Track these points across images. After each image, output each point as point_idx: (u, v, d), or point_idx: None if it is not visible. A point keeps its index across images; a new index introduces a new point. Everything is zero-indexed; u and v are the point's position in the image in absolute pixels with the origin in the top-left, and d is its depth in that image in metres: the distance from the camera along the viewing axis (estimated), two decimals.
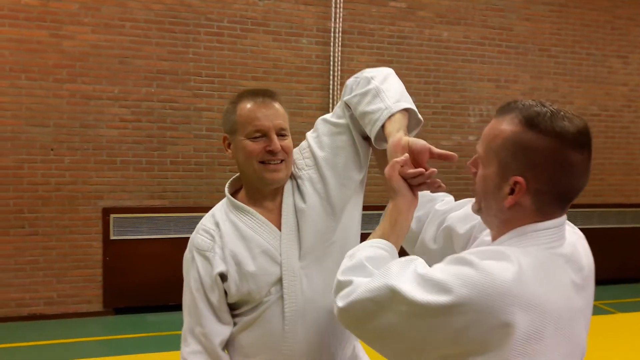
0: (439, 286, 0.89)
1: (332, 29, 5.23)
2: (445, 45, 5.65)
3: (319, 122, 1.46)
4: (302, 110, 5.25)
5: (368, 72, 1.39)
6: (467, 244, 1.21)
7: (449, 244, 1.27)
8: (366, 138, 1.42)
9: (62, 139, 4.73)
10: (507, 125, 0.95)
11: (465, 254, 0.93)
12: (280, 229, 1.39)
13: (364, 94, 1.33)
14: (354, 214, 1.47)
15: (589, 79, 6.24)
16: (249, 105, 1.35)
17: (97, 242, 4.90)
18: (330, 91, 5.30)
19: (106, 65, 4.78)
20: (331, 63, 5.26)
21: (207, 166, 5.05)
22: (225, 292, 1.38)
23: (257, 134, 1.34)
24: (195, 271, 1.38)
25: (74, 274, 4.86)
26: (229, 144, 1.41)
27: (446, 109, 5.68)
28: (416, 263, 0.97)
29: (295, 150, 1.45)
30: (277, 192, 1.42)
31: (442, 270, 0.92)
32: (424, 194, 1.32)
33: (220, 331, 1.38)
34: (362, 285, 0.98)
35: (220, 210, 1.44)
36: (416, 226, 1.32)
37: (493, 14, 5.80)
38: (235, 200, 1.42)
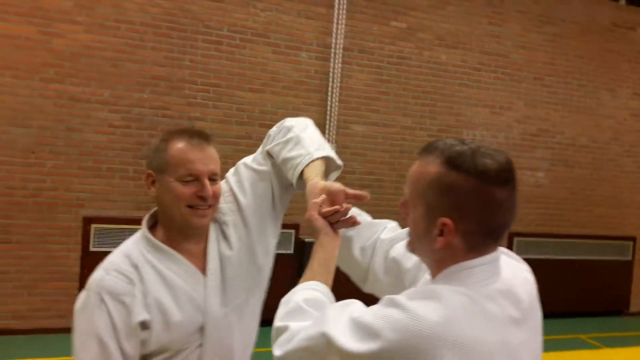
0: (369, 331, 0.89)
1: (333, 45, 5.17)
2: (443, 68, 5.65)
3: (240, 166, 1.45)
4: None
5: (288, 122, 1.42)
6: (415, 281, 1.21)
7: (399, 277, 1.26)
8: (286, 188, 1.44)
9: (45, 141, 4.48)
10: (430, 167, 0.96)
11: (396, 296, 0.93)
12: (204, 274, 1.34)
13: (286, 142, 1.37)
14: (269, 259, 1.48)
15: (580, 109, 6.33)
16: (182, 146, 1.30)
17: (76, 253, 4.61)
18: (328, 107, 5.20)
19: (97, 67, 4.58)
20: (330, 79, 5.17)
21: None
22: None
23: (189, 178, 1.29)
24: (107, 316, 1.24)
25: (47, 287, 4.55)
26: (153, 182, 1.33)
27: (441, 132, 5.64)
28: (352, 307, 0.96)
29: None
30: (201, 236, 1.37)
31: (373, 313, 0.91)
32: (364, 223, 1.33)
33: None
34: (300, 333, 0.97)
35: (136, 250, 1.32)
36: (362, 257, 1.32)
37: (490, 40, 5.84)
38: (158, 242, 1.33)
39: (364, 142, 5.41)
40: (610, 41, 6.44)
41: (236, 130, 4.90)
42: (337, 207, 1.19)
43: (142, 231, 1.36)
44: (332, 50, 5.17)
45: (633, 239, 6.63)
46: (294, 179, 1.34)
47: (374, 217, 1.38)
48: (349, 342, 0.89)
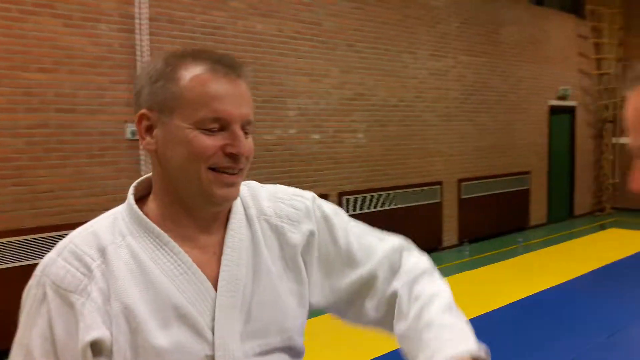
0: None
1: (137, 15, 4.63)
2: (260, 38, 5.50)
3: (344, 224, 1.02)
4: (105, 107, 4.55)
5: (429, 282, 1.00)
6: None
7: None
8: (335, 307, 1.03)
9: None
10: None
11: None
12: (215, 287, 0.87)
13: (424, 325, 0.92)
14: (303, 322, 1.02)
15: (389, 72, 6.80)
16: (204, 73, 0.85)
17: None
18: None
19: None
20: (138, 53, 4.65)
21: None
22: None
23: (214, 125, 0.84)
24: (45, 321, 0.81)
25: None
26: (150, 127, 0.87)
27: (266, 102, 5.56)
28: None
29: (283, 188, 1.02)
30: (216, 221, 0.92)
31: None
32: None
33: None
34: None
35: (112, 228, 0.88)
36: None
37: (304, 8, 5.85)
38: (148, 221, 0.88)
39: None
40: (408, 7, 6.96)
41: (27, 119, 4.14)
42: None
43: (128, 202, 0.90)
44: (137, 20, 4.63)
45: (440, 183, 7.51)
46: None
47: None
48: None
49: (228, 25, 5.25)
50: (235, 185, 0.88)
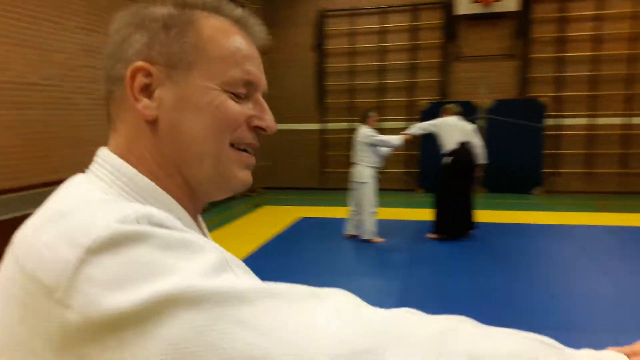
0: None
1: None
2: None
3: None
4: None
5: None
6: None
7: None
8: None
9: None
10: None
11: None
12: None
13: None
14: None
15: (27, 43, 5.43)
16: (233, 27, 0.66)
17: None
18: None
19: None
20: None
21: None
22: None
23: (243, 90, 0.65)
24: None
25: None
26: (147, 86, 0.62)
27: None
28: None
29: None
30: (196, 217, 0.70)
31: None
32: None
33: None
34: None
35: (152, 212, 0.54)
36: None
37: None
38: (179, 206, 0.63)
39: None
40: None
41: None
42: None
43: (130, 177, 0.61)
44: None
45: None
46: None
47: None
48: None
49: None
50: (251, 168, 0.69)
